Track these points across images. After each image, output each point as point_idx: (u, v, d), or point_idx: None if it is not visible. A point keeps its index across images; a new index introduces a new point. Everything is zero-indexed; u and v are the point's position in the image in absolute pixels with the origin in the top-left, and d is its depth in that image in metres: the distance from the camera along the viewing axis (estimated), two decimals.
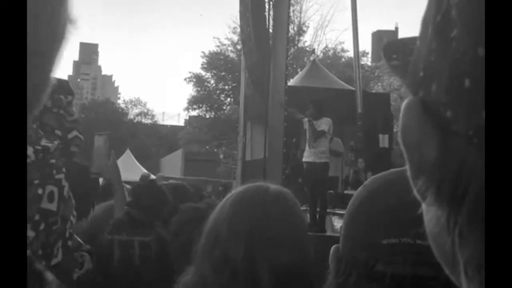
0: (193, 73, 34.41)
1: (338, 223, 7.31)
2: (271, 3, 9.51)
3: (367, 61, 36.66)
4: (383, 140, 11.22)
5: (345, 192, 9.96)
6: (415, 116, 0.33)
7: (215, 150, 32.53)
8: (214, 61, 33.50)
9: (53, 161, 1.46)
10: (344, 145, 10.03)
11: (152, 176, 8.96)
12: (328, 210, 7.53)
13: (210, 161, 31.81)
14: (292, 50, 26.96)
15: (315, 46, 30.96)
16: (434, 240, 0.36)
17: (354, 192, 0.88)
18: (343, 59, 31.88)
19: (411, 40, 0.38)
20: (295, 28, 29.69)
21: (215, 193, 11.34)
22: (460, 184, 0.31)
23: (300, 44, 30.81)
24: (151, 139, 40.92)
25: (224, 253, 1.18)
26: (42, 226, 1.42)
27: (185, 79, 34.32)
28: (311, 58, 18.19)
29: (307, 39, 32.85)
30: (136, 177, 8.97)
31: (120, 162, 8.37)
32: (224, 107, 33.83)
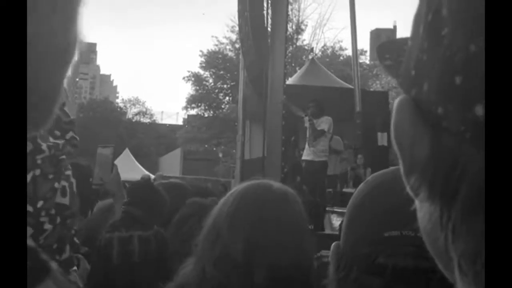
0: (192, 72, 34.34)
1: (336, 221, 7.29)
2: (269, 1, 9.49)
3: (365, 59, 36.52)
4: (382, 138, 11.19)
5: (344, 190, 9.94)
6: (407, 114, 0.33)
7: (214, 149, 32.41)
8: (213, 60, 33.37)
9: (63, 157, 1.48)
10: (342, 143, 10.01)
11: (152, 177, 8.97)
12: (327, 208, 7.53)
13: (209, 160, 31.75)
14: (291, 48, 26.90)
15: (314, 44, 30.95)
16: (427, 236, 0.36)
17: (353, 190, 0.88)
18: (341, 58, 31.77)
19: (404, 40, 0.38)
20: (294, 27, 29.67)
21: (214, 192, 11.26)
22: (453, 180, 0.31)
23: (299, 43, 30.77)
24: (149, 138, 40.73)
25: (225, 249, 1.18)
26: (58, 220, 1.43)
27: (184, 78, 34.27)
28: (310, 57, 18.21)
29: (305, 38, 32.87)
30: (135, 176, 8.97)
31: (119, 161, 8.38)
32: (223, 106, 33.73)
